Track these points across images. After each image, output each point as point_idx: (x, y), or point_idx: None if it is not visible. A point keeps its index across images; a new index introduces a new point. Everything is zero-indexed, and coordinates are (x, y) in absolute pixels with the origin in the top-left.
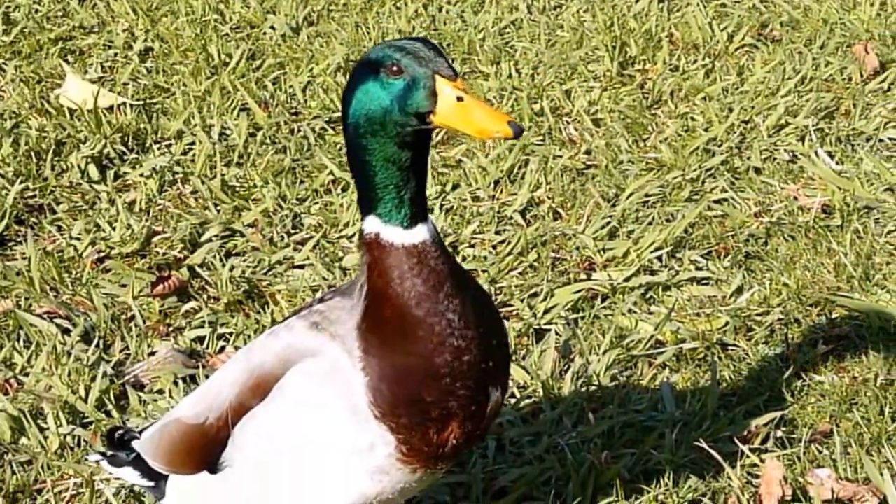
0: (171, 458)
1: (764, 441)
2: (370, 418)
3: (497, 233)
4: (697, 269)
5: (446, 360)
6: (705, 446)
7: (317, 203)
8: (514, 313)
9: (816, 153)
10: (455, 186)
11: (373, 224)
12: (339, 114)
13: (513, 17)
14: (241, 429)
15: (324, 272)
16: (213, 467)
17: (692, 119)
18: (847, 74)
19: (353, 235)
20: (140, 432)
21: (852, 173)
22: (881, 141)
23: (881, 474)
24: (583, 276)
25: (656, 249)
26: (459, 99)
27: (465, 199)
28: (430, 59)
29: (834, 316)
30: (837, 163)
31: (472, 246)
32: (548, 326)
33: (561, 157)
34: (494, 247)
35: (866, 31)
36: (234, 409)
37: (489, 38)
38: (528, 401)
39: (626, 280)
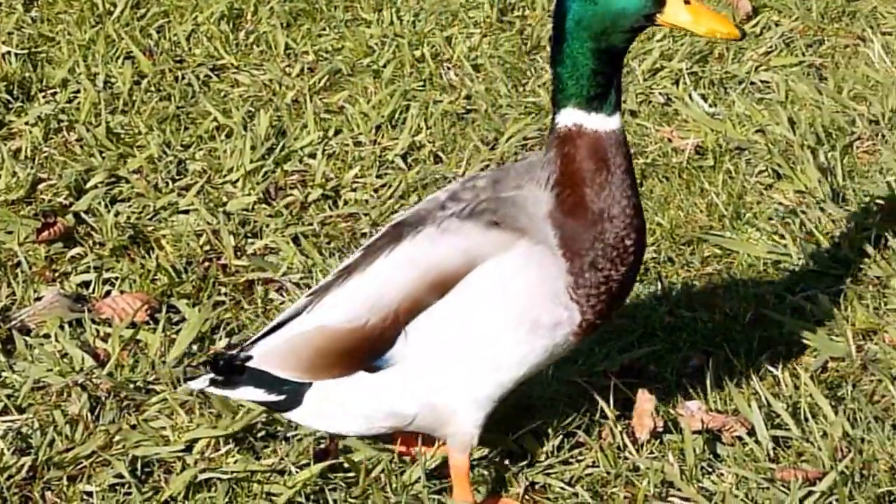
0: (320, 364)
1: (637, 375)
2: (567, 301)
3: (378, 177)
4: None
5: (633, 239)
6: (580, 381)
7: (201, 149)
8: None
9: (690, 96)
10: (337, 132)
11: (573, 115)
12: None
13: None
14: (417, 327)
15: (208, 217)
16: (372, 366)
17: None
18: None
19: (237, 181)
20: (244, 357)
21: (725, 115)
22: (753, 84)
23: (749, 405)
24: None
25: None
26: (687, 2)
27: (346, 145)
28: None
29: (706, 254)
30: (710, 105)
31: (354, 190)
32: None
33: (441, 102)
34: (376, 190)
35: None
36: (407, 308)
37: None
38: None
39: None
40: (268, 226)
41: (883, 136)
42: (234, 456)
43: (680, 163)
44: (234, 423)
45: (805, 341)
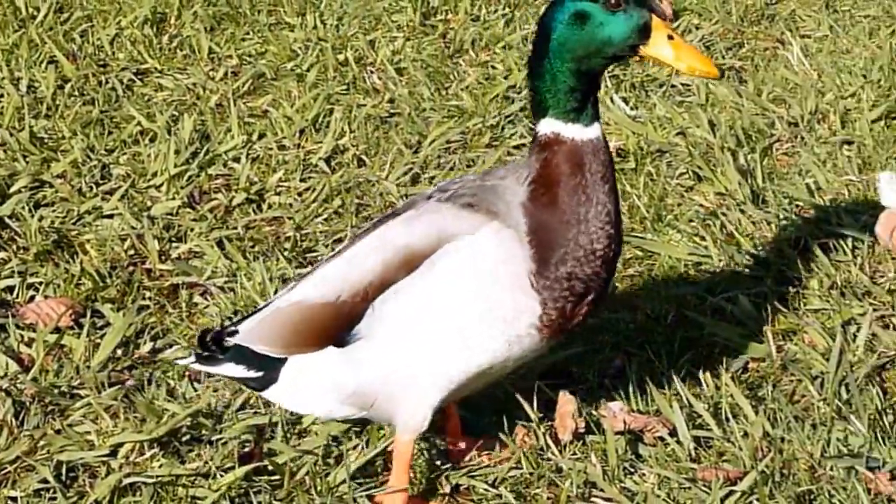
0: (294, 339)
1: (560, 377)
2: (527, 289)
3: (302, 180)
4: None
5: (603, 244)
6: (503, 382)
7: (125, 154)
8: (319, 258)
9: (612, 99)
10: (261, 136)
11: (551, 125)
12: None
13: None
14: (384, 302)
15: (132, 221)
16: (342, 341)
17: (493, 67)
18: None
19: (161, 185)
20: (231, 333)
21: (646, 118)
22: (673, 86)
23: (671, 406)
24: None
25: None
26: (670, 37)
27: (270, 148)
28: (646, 2)
29: (628, 256)
30: (632, 108)
31: (278, 194)
32: None
33: (365, 105)
34: (300, 194)
35: None
36: (376, 285)
37: None
38: None
39: None
40: (192, 230)
41: (802, 138)
42: (158, 460)
43: None
44: (159, 428)
45: (726, 342)
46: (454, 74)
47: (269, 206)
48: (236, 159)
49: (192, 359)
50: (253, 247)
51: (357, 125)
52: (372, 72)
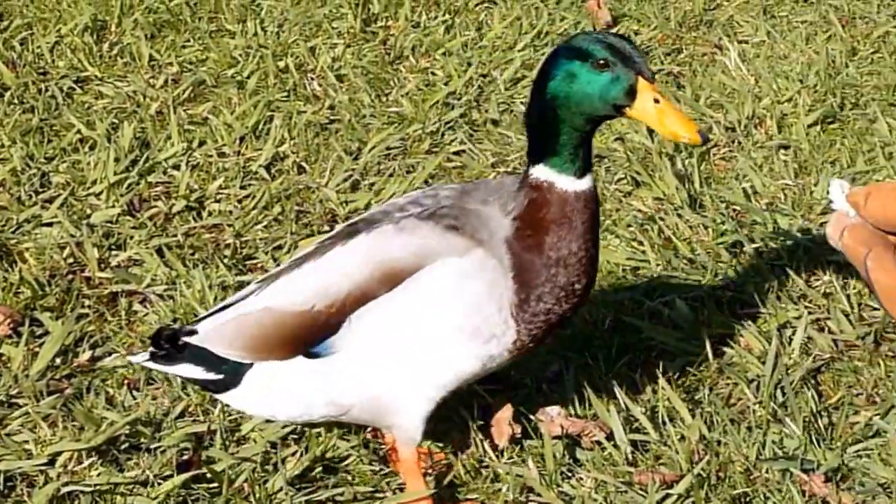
0: (260, 345)
1: (497, 381)
2: (508, 318)
3: (242, 187)
4: None
5: (582, 284)
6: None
7: (65, 162)
8: (259, 265)
9: None
10: (202, 143)
11: (544, 172)
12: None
13: None
14: (362, 315)
15: (71, 229)
16: (311, 352)
17: (433, 74)
18: (581, 28)
19: (101, 193)
20: (188, 332)
21: None
22: None
23: (608, 410)
24: (326, 228)
25: None
26: (656, 101)
27: (210, 156)
28: (634, 61)
29: None
30: None
31: (218, 201)
32: None
33: (305, 112)
34: (240, 201)
35: None
36: (355, 298)
37: None
38: None
39: None
40: (132, 238)
41: (739, 142)
42: (97, 468)
43: None
44: (97, 436)
45: (663, 346)
46: (394, 81)
47: (209, 214)
48: (176, 167)
49: (146, 357)
50: (193, 254)
51: (297, 132)
52: (312, 78)
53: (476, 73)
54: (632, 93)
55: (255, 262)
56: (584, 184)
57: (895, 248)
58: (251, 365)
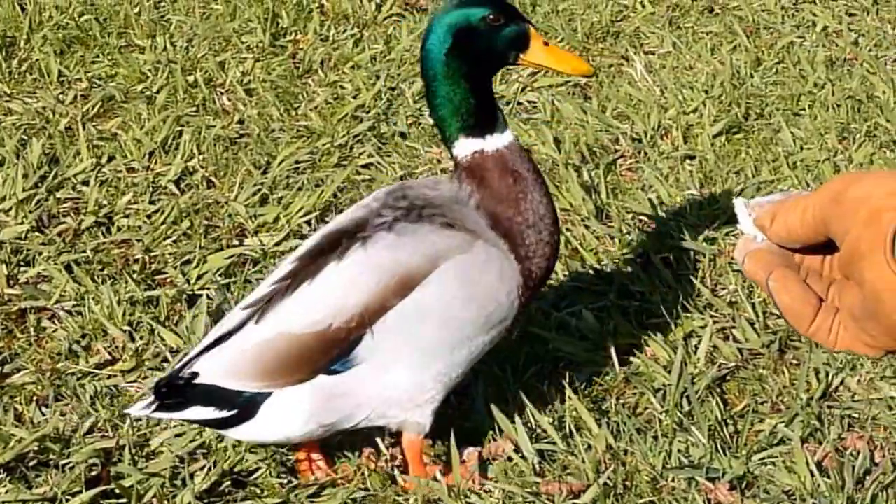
0: (280, 371)
1: None
2: (515, 299)
3: (152, 202)
4: None
5: (555, 238)
6: None
7: None
8: (168, 280)
9: None
10: (111, 158)
11: (468, 144)
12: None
13: None
14: (382, 325)
15: None
16: (332, 370)
17: (341, 87)
18: None
19: (9, 209)
20: (190, 374)
21: None
22: (520, 104)
23: (514, 422)
24: (235, 242)
25: (306, 214)
26: (546, 44)
27: (119, 171)
28: (521, 17)
29: None
30: None
31: (127, 216)
32: (200, 292)
33: (214, 127)
34: (149, 216)
35: None
36: (373, 310)
37: (145, 12)
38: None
39: (277, 245)
40: (41, 254)
41: (645, 153)
42: (4, 486)
43: None
44: (6, 453)
45: (570, 357)
46: (303, 95)
47: (119, 229)
48: (85, 182)
49: (152, 410)
50: (102, 270)
51: (206, 147)
52: (222, 93)
53: (385, 86)
54: (525, 41)
55: (164, 276)
56: (508, 136)
57: (800, 266)
58: (269, 394)
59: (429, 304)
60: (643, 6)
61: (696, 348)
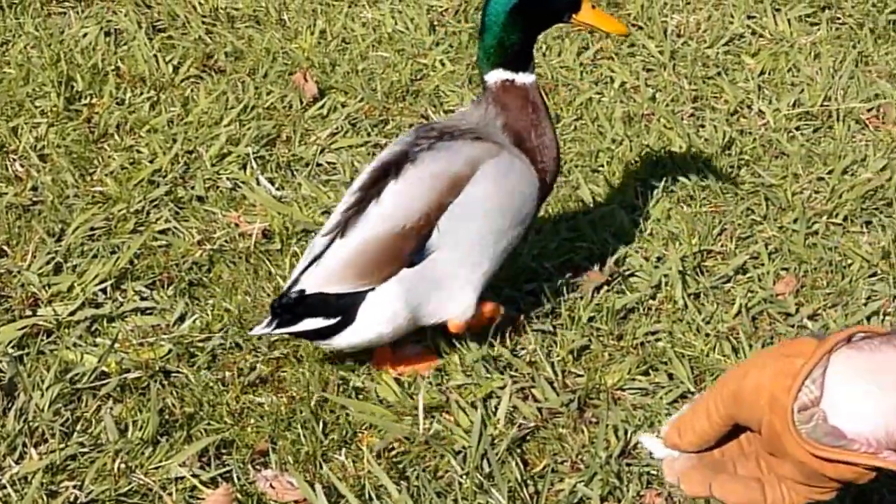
0: (371, 269)
1: (207, 465)
2: (536, 196)
3: None
4: (142, 299)
5: (558, 157)
6: (140, 475)
7: None
8: None
9: (257, 180)
10: None
11: (502, 74)
12: None
13: None
14: (444, 221)
15: None
16: (414, 261)
17: (138, 151)
18: (288, 102)
19: None
20: (298, 291)
21: (291, 198)
22: (319, 165)
23: (313, 487)
24: (28, 313)
25: (101, 282)
26: (594, 7)
27: None
28: None
29: (274, 339)
30: (278, 188)
31: None
32: None
33: (6, 194)
34: None
35: (307, 59)
36: (436, 208)
37: None
38: None
39: (72, 314)
40: None
41: None
42: None
43: (247, 247)
44: None
45: (370, 422)
46: (99, 159)
47: None
48: None
49: (273, 328)
50: None
51: None
52: (14, 159)
53: (182, 149)
54: (578, 2)
55: None
56: (532, 77)
57: (724, 457)
58: (363, 296)
59: (477, 197)
60: (443, 65)
61: (496, 409)
